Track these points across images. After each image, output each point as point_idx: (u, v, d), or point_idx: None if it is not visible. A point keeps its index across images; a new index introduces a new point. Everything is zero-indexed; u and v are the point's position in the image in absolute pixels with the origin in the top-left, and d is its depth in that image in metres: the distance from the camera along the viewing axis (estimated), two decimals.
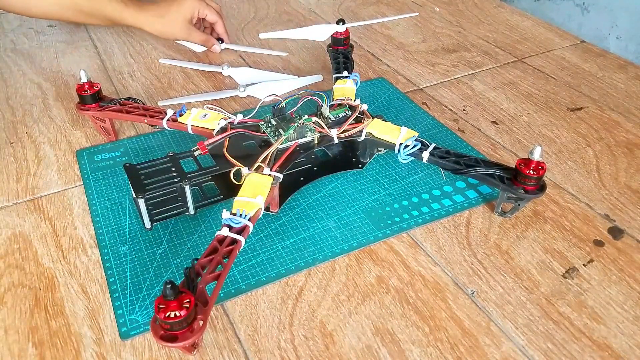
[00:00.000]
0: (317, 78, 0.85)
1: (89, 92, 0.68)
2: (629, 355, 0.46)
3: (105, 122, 0.70)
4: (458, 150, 0.64)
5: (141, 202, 0.54)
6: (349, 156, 0.67)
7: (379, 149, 0.66)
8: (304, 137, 0.60)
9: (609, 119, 0.76)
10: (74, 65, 0.90)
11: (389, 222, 0.58)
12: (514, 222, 0.59)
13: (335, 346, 0.46)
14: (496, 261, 0.54)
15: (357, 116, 0.63)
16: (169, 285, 0.39)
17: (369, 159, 0.66)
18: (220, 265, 0.46)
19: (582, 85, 0.84)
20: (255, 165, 0.55)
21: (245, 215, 0.50)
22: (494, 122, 0.76)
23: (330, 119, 0.63)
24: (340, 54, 0.79)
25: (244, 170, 0.55)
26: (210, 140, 0.59)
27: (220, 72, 0.87)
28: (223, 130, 0.61)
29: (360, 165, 0.66)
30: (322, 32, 0.82)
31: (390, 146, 0.61)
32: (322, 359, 0.45)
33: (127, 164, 0.57)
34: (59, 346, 0.46)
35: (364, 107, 0.64)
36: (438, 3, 1.13)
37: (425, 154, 0.59)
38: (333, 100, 0.67)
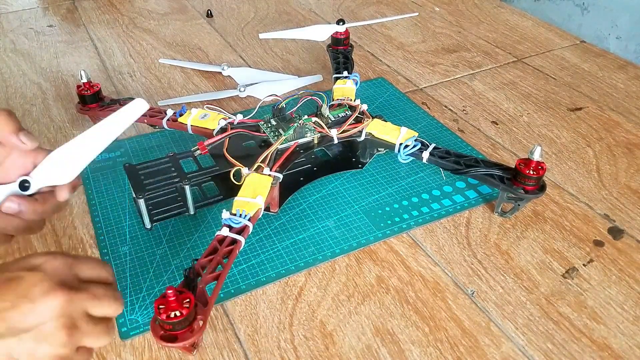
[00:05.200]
0: (317, 78, 0.85)
1: (89, 92, 0.68)
2: (629, 355, 0.46)
3: None
4: (458, 150, 0.64)
5: (141, 202, 0.54)
6: (349, 156, 0.67)
7: (379, 149, 0.66)
8: (304, 137, 0.60)
9: (609, 119, 0.76)
10: (74, 65, 0.90)
11: (389, 222, 0.58)
12: (514, 222, 0.59)
13: (335, 346, 0.46)
14: (496, 261, 0.54)
15: (357, 116, 0.63)
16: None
17: (369, 159, 0.66)
18: (220, 266, 0.46)
19: (582, 85, 0.84)
20: (255, 165, 0.55)
21: (245, 216, 0.50)
22: (494, 122, 0.76)
23: (330, 119, 0.63)
24: (340, 54, 0.79)
25: (244, 170, 0.55)
26: (210, 140, 0.59)
27: (220, 72, 0.87)
28: (223, 130, 0.61)
29: (360, 165, 0.66)
30: (322, 32, 0.81)
31: (390, 146, 0.61)
32: (322, 359, 0.45)
33: (127, 164, 0.57)
34: None
35: (364, 107, 0.64)
36: (438, 3, 1.13)
37: (425, 154, 0.59)
38: (333, 100, 0.67)
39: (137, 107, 0.47)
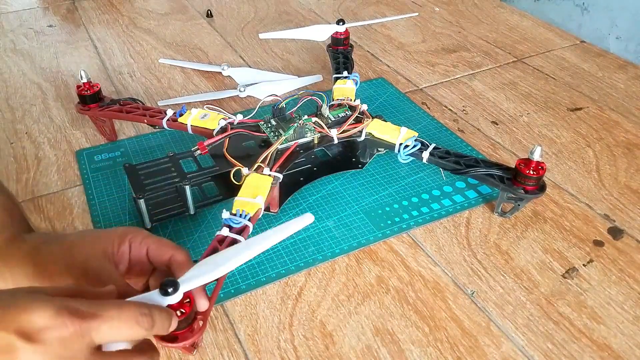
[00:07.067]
0: (317, 78, 0.85)
1: (89, 92, 0.68)
2: (628, 355, 0.46)
3: (105, 122, 0.70)
4: (458, 150, 0.64)
5: (141, 202, 0.54)
6: (349, 156, 0.67)
7: (379, 149, 0.66)
8: (304, 137, 0.60)
9: (609, 119, 0.76)
10: (74, 65, 0.90)
11: (389, 222, 0.58)
12: (514, 222, 0.59)
13: (335, 346, 0.46)
14: (496, 261, 0.54)
15: (357, 116, 0.63)
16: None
17: (369, 159, 0.66)
18: None
19: (582, 85, 0.84)
20: (255, 165, 0.55)
21: (245, 216, 0.50)
22: (494, 122, 0.76)
23: (330, 119, 0.63)
24: (340, 54, 0.79)
25: (244, 170, 0.55)
26: (210, 140, 0.59)
27: (220, 72, 0.87)
28: (223, 130, 0.61)
29: (360, 165, 0.66)
30: (322, 32, 0.81)
31: (390, 146, 0.61)
32: (322, 359, 0.45)
33: (127, 164, 0.57)
34: None
35: (364, 107, 0.64)
36: (438, 3, 1.13)
37: (425, 154, 0.59)
38: (333, 100, 0.67)
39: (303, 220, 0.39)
